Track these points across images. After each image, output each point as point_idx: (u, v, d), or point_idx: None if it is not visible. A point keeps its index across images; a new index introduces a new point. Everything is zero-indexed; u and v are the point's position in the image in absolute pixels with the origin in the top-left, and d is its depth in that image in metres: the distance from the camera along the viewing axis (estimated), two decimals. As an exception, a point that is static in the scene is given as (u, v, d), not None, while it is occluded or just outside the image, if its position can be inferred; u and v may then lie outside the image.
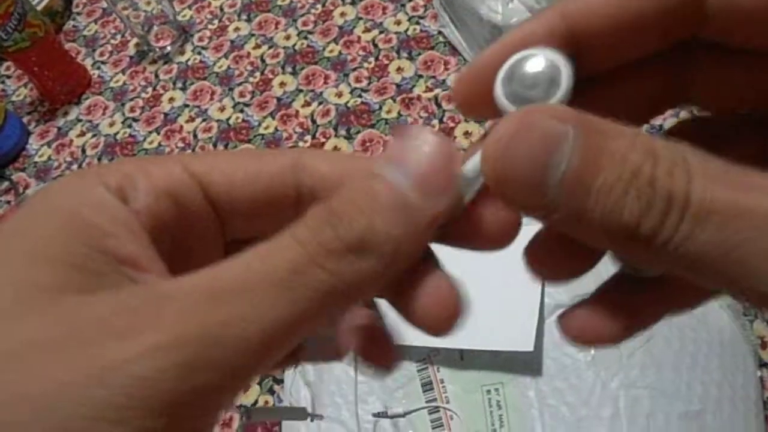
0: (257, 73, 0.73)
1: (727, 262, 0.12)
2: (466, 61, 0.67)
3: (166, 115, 0.73)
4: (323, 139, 0.66)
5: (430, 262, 0.17)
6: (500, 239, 0.17)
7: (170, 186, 0.15)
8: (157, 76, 0.77)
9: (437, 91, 0.66)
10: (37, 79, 0.76)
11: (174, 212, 0.15)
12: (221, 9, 0.81)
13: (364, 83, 0.69)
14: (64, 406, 0.11)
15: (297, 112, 0.69)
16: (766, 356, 0.46)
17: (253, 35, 0.77)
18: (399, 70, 0.69)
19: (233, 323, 0.12)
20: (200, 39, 0.79)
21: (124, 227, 0.14)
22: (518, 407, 0.43)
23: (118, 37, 0.83)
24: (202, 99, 0.73)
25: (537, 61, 0.15)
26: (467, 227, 0.16)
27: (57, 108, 0.77)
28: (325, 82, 0.70)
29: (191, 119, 0.72)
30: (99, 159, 0.71)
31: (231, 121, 0.70)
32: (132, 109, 0.75)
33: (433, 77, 0.67)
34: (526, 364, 0.43)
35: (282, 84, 0.71)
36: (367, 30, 0.73)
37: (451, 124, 0.63)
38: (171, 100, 0.74)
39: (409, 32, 0.72)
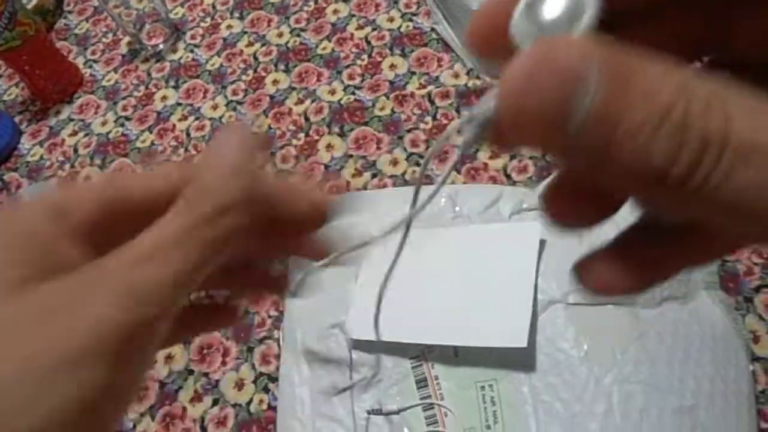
0: (250, 71, 0.73)
1: None
2: (459, 57, 0.67)
3: (158, 113, 0.73)
4: (316, 137, 0.66)
5: None
6: None
7: (99, 200, 0.20)
8: (149, 74, 0.77)
9: (430, 87, 0.66)
10: (29, 78, 0.75)
11: (101, 218, 0.20)
12: (213, 6, 0.81)
13: (358, 80, 0.69)
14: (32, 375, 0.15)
15: (290, 109, 0.69)
16: (758, 350, 0.47)
17: (245, 33, 0.77)
18: (392, 67, 0.69)
19: (151, 276, 0.17)
20: (193, 37, 0.79)
21: (64, 233, 0.19)
22: (512, 403, 0.43)
23: (110, 35, 0.83)
24: (195, 97, 0.73)
25: None
26: None
27: (49, 107, 0.77)
28: (318, 80, 0.70)
29: (184, 117, 0.71)
30: (91, 158, 0.71)
31: (224, 120, 0.70)
32: (124, 108, 0.75)
33: (427, 74, 0.67)
34: (520, 360, 0.43)
35: (275, 82, 0.71)
36: (360, 27, 0.73)
37: (445, 121, 0.63)
38: (164, 98, 0.74)
39: (402, 29, 0.72)
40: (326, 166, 0.64)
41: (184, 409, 0.53)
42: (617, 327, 0.43)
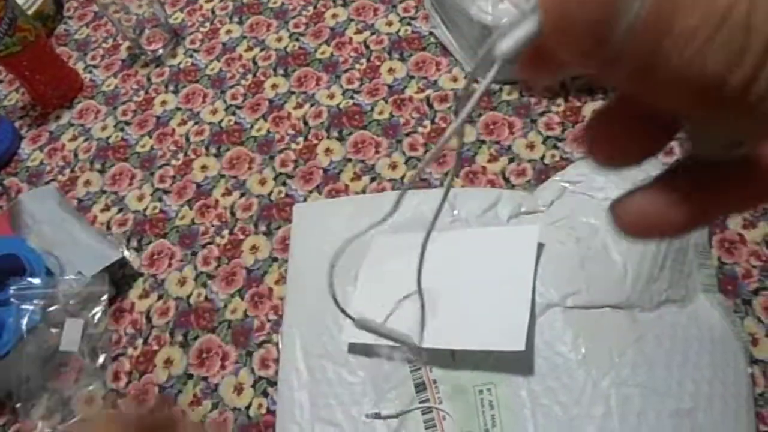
0: (249, 76, 0.73)
1: None
2: (458, 61, 0.67)
3: (158, 118, 0.73)
4: (315, 141, 0.66)
5: None
6: None
7: None
8: (149, 79, 0.77)
9: (429, 91, 0.66)
10: (29, 84, 0.76)
11: None
12: (213, 12, 0.82)
13: (356, 84, 0.69)
14: None
15: (289, 114, 0.69)
16: (757, 353, 0.47)
17: (244, 37, 0.77)
18: (391, 71, 0.69)
19: None
20: (192, 42, 0.79)
21: None
22: (510, 407, 0.43)
23: (110, 40, 0.83)
24: (195, 102, 0.73)
25: None
26: None
27: (49, 112, 0.77)
28: (317, 84, 0.70)
29: (183, 122, 0.72)
30: (91, 163, 0.71)
31: (223, 124, 0.70)
32: (124, 113, 0.75)
33: (425, 78, 0.67)
34: (518, 363, 0.43)
35: (274, 86, 0.72)
36: (358, 31, 0.73)
37: (443, 125, 0.63)
38: (163, 103, 0.74)
39: (401, 33, 0.72)
40: (325, 170, 0.64)
41: (183, 413, 0.53)
42: (615, 330, 0.43)
